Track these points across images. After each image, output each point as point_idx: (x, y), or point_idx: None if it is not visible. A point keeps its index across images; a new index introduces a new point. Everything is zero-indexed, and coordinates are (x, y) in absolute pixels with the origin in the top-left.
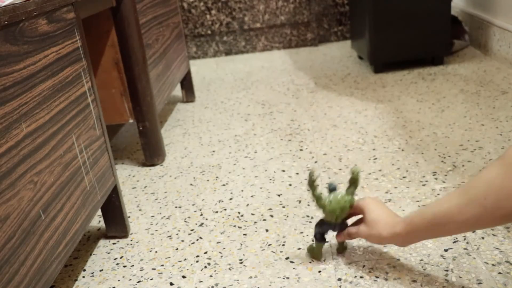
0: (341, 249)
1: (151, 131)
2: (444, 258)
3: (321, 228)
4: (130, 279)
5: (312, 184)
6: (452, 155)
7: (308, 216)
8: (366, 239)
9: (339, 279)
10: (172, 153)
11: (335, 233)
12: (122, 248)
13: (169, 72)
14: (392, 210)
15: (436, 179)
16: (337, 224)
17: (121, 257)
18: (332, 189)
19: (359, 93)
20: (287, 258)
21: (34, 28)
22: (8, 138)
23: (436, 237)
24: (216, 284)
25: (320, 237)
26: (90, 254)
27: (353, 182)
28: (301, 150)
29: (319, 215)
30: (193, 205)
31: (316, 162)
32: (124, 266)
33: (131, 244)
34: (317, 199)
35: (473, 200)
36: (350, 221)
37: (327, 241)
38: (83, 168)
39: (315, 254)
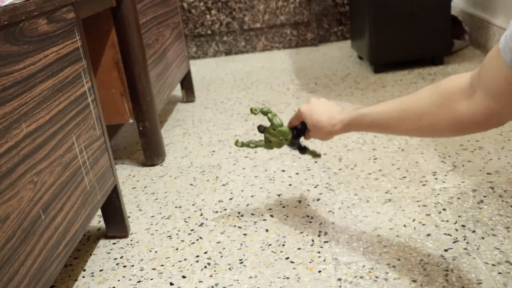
0: (315, 154)
1: (151, 131)
2: (444, 258)
3: (292, 147)
4: (130, 279)
5: (247, 146)
6: (452, 155)
7: (308, 216)
8: (317, 137)
9: (339, 279)
10: (172, 153)
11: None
12: (122, 248)
13: (169, 72)
14: (334, 108)
15: (436, 179)
16: (292, 141)
17: (121, 257)
18: (261, 130)
19: (359, 93)
20: (287, 258)
21: (34, 28)
22: (8, 138)
23: (384, 132)
24: (216, 284)
25: (301, 150)
26: (90, 254)
27: (264, 112)
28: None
29: (318, 215)
30: (193, 205)
31: (316, 162)
32: (124, 266)
33: (131, 244)
34: (256, 146)
35: (409, 118)
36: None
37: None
38: (83, 168)
39: (315, 155)
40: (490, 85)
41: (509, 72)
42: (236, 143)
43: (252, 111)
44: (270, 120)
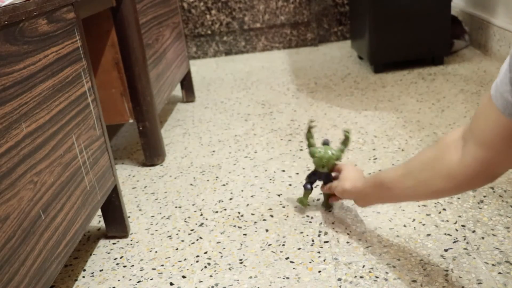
0: (326, 205)
1: (151, 131)
2: (444, 258)
3: (310, 178)
4: (130, 279)
5: (308, 132)
6: None
7: (308, 216)
8: (336, 192)
9: (339, 279)
10: (172, 153)
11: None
12: (122, 248)
13: (169, 72)
14: (363, 175)
15: None
16: (323, 174)
17: (121, 257)
18: (325, 143)
19: (359, 93)
20: (287, 258)
21: (34, 28)
22: (8, 138)
23: (388, 202)
24: (216, 284)
25: (308, 185)
26: (90, 254)
27: (344, 141)
28: (301, 150)
29: (319, 215)
30: (193, 205)
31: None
32: (124, 266)
33: (131, 244)
34: (310, 145)
35: (411, 174)
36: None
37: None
38: (83, 168)
39: (303, 201)
40: (481, 133)
41: (501, 118)
42: (310, 124)
43: (345, 131)
44: (340, 150)
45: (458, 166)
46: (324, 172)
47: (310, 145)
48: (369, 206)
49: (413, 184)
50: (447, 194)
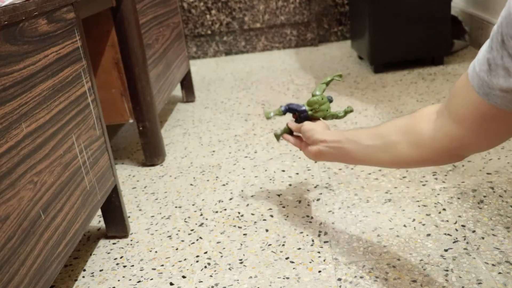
0: (277, 137)
1: (151, 131)
2: (444, 258)
3: (292, 105)
4: (130, 279)
5: (326, 83)
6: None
7: (308, 216)
8: (303, 135)
9: (339, 279)
10: (172, 153)
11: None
12: (122, 248)
13: (169, 72)
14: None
15: (436, 179)
16: (305, 112)
17: (121, 257)
18: (330, 100)
19: (359, 93)
20: (287, 258)
21: (34, 28)
22: (8, 138)
23: (348, 161)
24: (216, 284)
25: (283, 108)
26: (90, 254)
27: (344, 110)
28: (301, 150)
29: (319, 215)
30: (193, 205)
31: (316, 162)
32: (124, 266)
33: (131, 244)
34: (318, 89)
35: (380, 134)
36: None
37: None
38: (83, 168)
39: (268, 114)
40: (456, 110)
41: (475, 96)
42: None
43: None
44: (340, 113)
45: (428, 137)
46: (307, 112)
47: (319, 89)
48: (325, 161)
49: (379, 144)
50: (410, 164)
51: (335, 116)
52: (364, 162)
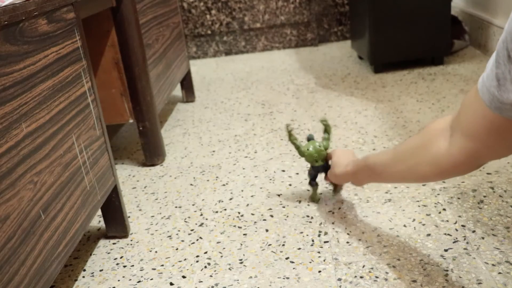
0: (335, 190)
1: (151, 131)
2: (444, 258)
3: (311, 174)
4: (130, 279)
5: (290, 136)
6: None
7: (308, 216)
8: (331, 179)
9: (339, 279)
10: (172, 153)
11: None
12: (122, 248)
13: (169, 72)
14: (355, 157)
15: None
16: (320, 167)
17: (121, 257)
18: (310, 138)
19: (359, 93)
20: (287, 258)
21: (34, 28)
22: (8, 138)
23: (377, 182)
24: (216, 284)
25: (313, 182)
26: (90, 254)
27: (325, 129)
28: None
29: (319, 215)
30: (193, 205)
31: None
32: (124, 266)
33: (131, 244)
34: (297, 147)
35: (399, 159)
36: None
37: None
38: (83, 168)
39: (313, 198)
40: (468, 125)
41: (487, 111)
42: (288, 128)
43: (322, 121)
44: (325, 139)
45: (444, 155)
46: (320, 165)
47: (297, 147)
48: (364, 185)
49: (401, 169)
50: (433, 179)
51: (327, 141)
52: (391, 182)
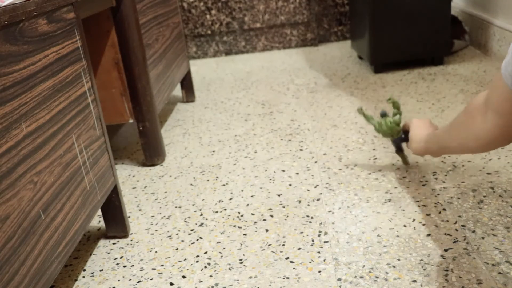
0: (405, 160)
1: (151, 131)
2: (444, 258)
3: (393, 144)
4: (130, 279)
5: (365, 117)
6: (452, 155)
7: (308, 216)
8: (412, 152)
9: (339, 279)
10: (172, 153)
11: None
12: (122, 248)
13: (169, 72)
14: (431, 128)
15: (436, 179)
16: (397, 139)
17: (121, 257)
18: (382, 115)
19: (359, 93)
20: (287, 258)
21: (34, 28)
22: (8, 138)
23: (449, 154)
24: (216, 284)
25: (397, 149)
26: (90, 254)
27: (394, 105)
28: (301, 150)
29: (319, 215)
30: (193, 205)
31: (316, 162)
32: (124, 266)
33: (131, 244)
34: (374, 125)
35: (452, 137)
36: None
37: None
38: (83, 168)
39: (404, 161)
40: (496, 104)
41: (510, 94)
42: (359, 110)
43: (388, 100)
44: (394, 114)
45: (482, 130)
46: (398, 138)
47: (373, 124)
48: (440, 156)
49: (455, 145)
50: (482, 151)
51: (398, 115)
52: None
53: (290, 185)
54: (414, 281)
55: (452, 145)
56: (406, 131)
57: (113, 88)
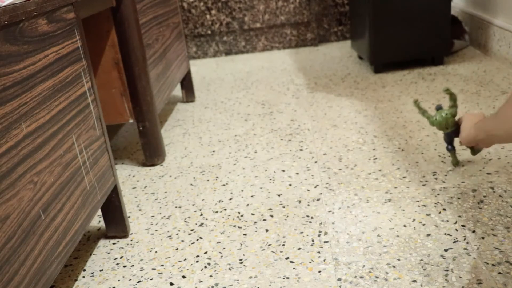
0: (473, 152)
1: (151, 131)
2: (444, 258)
3: (445, 140)
4: (130, 279)
5: (419, 110)
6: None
7: (308, 216)
8: (463, 143)
9: (339, 279)
10: (172, 153)
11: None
12: (122, 248)
13: (169, 72)
14: (481, 117)
15: (436, 179)
16: (451, 132)
17: (121, 257)
18: (438, 108)
19: (359, 93)
20: (287, 258)
21: (34, 28)
22: (8, 138)
23: (496, 143)
24: (216, 284)
25: (449, 147)
26: (90, 254)
27: (450, 98)
28: (301, 150)
29: (319, 215)
30: (193, 205)
31: (316, 162)
32: (124, 266)
33: (131, 244)
34: (427, 118)
35: (499, 126)
36: None
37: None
38: (83, 168)
39: (453, 161)
40: None
41: None
42: (415, 102)
43: (445, 90)
44: (450, 107)
45: None
46: (451, 131)
47: (427, 117)
48: (489, 145)
49: (503, 132)
50: None
51: (454, 108)
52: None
53: (290, 185)
54: (414, 281)
55: (499, 133)
56: (458, 125)
57: (113, 88)
